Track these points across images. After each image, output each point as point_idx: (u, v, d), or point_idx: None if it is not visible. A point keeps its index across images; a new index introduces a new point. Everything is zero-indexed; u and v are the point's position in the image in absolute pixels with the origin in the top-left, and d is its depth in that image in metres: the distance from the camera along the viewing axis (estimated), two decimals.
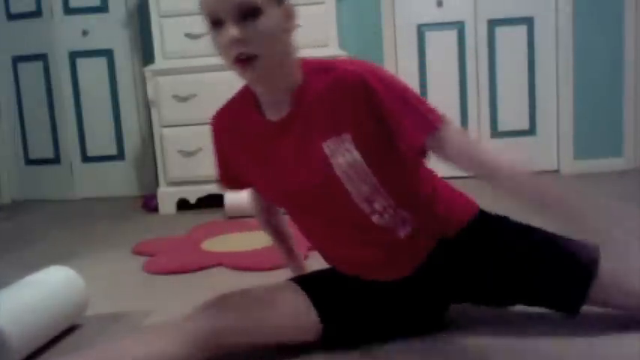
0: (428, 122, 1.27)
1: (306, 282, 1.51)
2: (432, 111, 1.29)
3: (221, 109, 1.54)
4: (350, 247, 1.45)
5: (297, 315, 1.43)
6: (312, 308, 1.44)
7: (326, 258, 1.57)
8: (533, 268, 1.43)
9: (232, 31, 1.22)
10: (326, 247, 1.54)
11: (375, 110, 1.27)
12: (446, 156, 1.28)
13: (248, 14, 1.22)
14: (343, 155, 1.29)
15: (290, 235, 1.79)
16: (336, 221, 1.40)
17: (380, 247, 1.42)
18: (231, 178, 1.58)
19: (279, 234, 1.79)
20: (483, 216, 1.52)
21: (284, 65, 1.31)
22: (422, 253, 1.46)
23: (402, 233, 1.40)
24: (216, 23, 1.28)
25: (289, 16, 1.29)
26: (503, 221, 1.53)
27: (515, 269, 1.44)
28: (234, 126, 1.46)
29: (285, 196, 1.43)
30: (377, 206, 1.35)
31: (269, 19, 1.24)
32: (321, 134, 1.30)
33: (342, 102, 1.27)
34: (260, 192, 1.59)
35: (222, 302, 1.41)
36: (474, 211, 1.52)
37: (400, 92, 1.28)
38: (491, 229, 1.49)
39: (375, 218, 1.36)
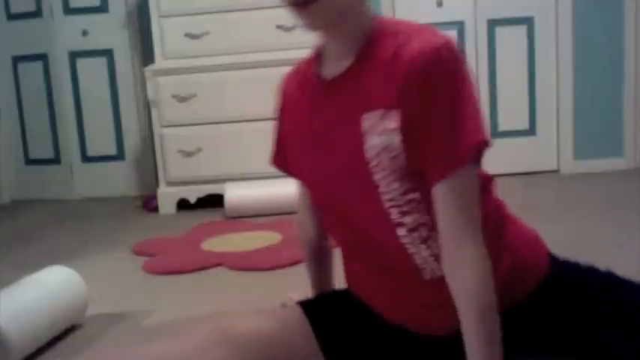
0: (451, 162, 1.00)
1: (319, 320, 1.25)
2: (465, 141, 1.00)
3: (291, 69, 1.27)
4: (366, 266, 1.19)
5: None
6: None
7: (345, 272, 1.30)
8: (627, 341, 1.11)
9: None
10: (345, 258, 1.28)
11: (420, 103, 1.01)
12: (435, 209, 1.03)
13: None
14: (380, 135, 1.02)
15: (327, 252, 1.40)
16: (355, 224, 1.14)
17: (398, 281, 1.14)
18: (282, 156, 1.29)
19: (315, 249, 1.40)
20: (557, 269, 1.18)
21: (349, 11, 1.07)
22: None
23: (429, 275, 1.10)
24: None
25: None
26: (583, 275, 1.21)
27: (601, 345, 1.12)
28: (295, 88, 1.22)
29: (315, 181, 1.19)
30: (407, 220, 1.06)
31: None
32: (366, 103, 1.05)
33: (399, 74, 1.01)
34: (298, 173, 1.27)
35: (224, 337, 1.20)
36: (546, 264, 1.18)
37: (451, 105, 1.00)
38: (569, 290, 1.16)
39: (400, 232, 1.07)
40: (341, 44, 1.09)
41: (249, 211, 3.33)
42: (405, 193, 1.04)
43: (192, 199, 3.67)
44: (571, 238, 2.55)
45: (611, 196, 3.28)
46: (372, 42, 1.07)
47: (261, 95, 3.50)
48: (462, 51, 1.06)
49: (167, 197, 3.69)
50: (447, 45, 1.00)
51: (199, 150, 3.61)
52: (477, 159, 1.01)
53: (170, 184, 3.69)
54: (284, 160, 1.28)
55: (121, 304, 2.16)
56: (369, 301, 1.23)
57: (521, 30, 3.92)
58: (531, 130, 3.98)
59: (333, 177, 1.12)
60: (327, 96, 1.11)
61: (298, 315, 1.25)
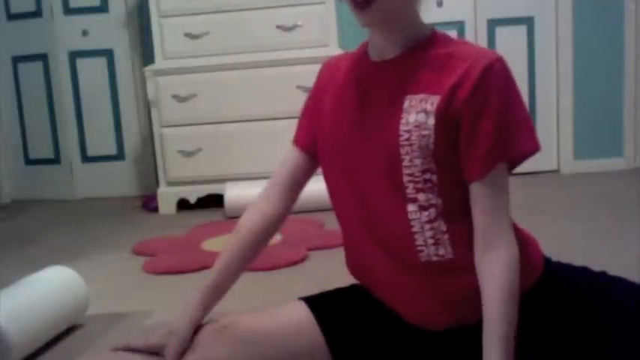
0: (492, 161, 1.09)
1: (326, 316, 1.25)
2: (515, 147, 1.10)
3: (334, 58, 1.32)
4: (369, 242, 1.20)
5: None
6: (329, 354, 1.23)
7: (348, 254, 1.30)
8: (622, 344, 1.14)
9: None
10: (349, 238, 1.27)
11: (468, 108, 1.08)
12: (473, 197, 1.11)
13: None
14: (417, 113, 1.09)
15: (266, 240, 1.33)
16: (368, 196, 1.17)
17: (395, 259, 1.17)
18: (309, 138, 1.29)
19: (262, 228, 1.31)
20: (551, 270, 1.22)
21: (405, 13, 1.14)
22: (462, 308, 1.15)
23: (425, 257, 1.13)
24: None
25: None
26: (576, 276, 1.24)
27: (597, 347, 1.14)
28: (339, 68, 1.26)
29: (341, 153, 1.20)
30: (421, 197, 1.11)
31: None
32: (411, 87, 1.12)
33: (452, 70, 1.09)
34: (323, 147, 1.25)
35: (229, 332, 1.20)
36: (540, 266, 1.22)
37: (504, 110, 1.08)
38: (562, 291, 1.20)
39: (411, 207, 1.12)
40: (391, 42, 1.15)
41: None
42: (424, 171, 1.10)
43: (192, 199, 3.67)
44: (570, 238, 2.56)
45: (611, 196, 3.29)
46: (423, 43, 1.15)
47: (261, 95, 3.51)
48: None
49: (167, 197, 3.69)
50: (501, 59, 1.10)
51: (199, 150, 3.61)
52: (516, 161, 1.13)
53: (170, 184, 3.69)
54: (310, 140, 1.27)
55: (121, 304, 2.16)
56: (367, 282, 1.26)
57: (521, 30, 3.92)
58: None
59: (362, 149, 1.17)
60: (376, 76, 1.17)
61: (304, 311, 1.25)
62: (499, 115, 1.08)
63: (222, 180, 3.57)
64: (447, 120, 1.09)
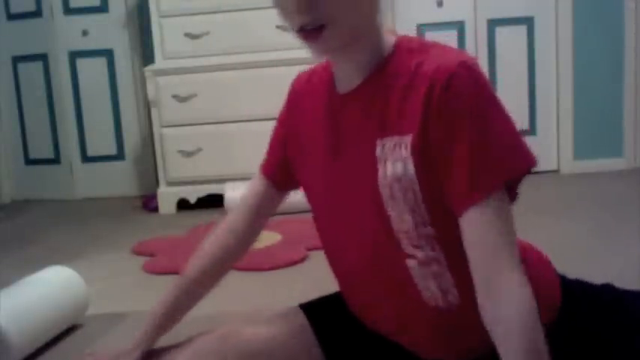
0: (480, 187, 0.91)
1: (323, 326, 1.22)
2: (492, 167, 0.92)
3: (303, 73, 1.20)
4: (369, 295, 1.11)
5: None
6: None
7: (349, 303, 1.21)
8: None
9: None
10: (345, 288, 1.20)
11: (437, 127, 0.93)
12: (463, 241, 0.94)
13: None
14: (393, 164, 0.96)
15: (227, 267, 1.28)
16: (361, 249, 1.06)
17: (400, 308, 1.07)
18: (276, 165, 1.22)
19: (224, 256, 1.25)
20: (571, 298, 1.10)
21: (363, 34, 0.99)
22: (472, 343, 1.04)
23: (433, 303, 1.03)
24: None
25: None
26: (599, 301, 1.13)
27: None
28: (309, 92, 1.14)
29: (322, 196, 1.12)
30: (420, 254, 0.99)
31: None
32: (381, 126, 0.98)
33: (416, 96, 0.94)
34: (303, 183, 1.19)
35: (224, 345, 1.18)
36: (560, 295, 1.10)
37: (477, 128, 0.92)
38: (585, 319, 1.09)
39: (411, 263, 1.01)
40: (351, 65, 1.02)
41: None
42: (417, 226, 0.98)
43: (192, 199, 3.66)
44: (571, 238, 2.56)
45: (611, 196, 3.28)
46: (385, 61, 1.00)
47: (261, 95, 3.51)
48: (480, 67, 0.96)
49: (167, 197, 3.69)
50: (465, 64, 0.93)
51: (199, 150, 3.60)
52: (510, 183, 0.94)
53: (170, 184, 3.69)
54: (276, 170, 1.21)
55: (121, 304, 2.16)
56: (371, 321, 1.16)
57: (521, 30, 3.92)
58: (531, 130, 3.98)
59: (342, 196, 1.05)
60: (342, 110, 1.04)
61: (301, 321, 1.23)
62: (473, 134, 0.91)
63: (222, 180, 3.57)
64: (426, 160, 0.94)
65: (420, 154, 0.94)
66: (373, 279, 1.07)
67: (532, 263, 1.06)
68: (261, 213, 1.25)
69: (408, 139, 0.95)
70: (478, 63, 0.96)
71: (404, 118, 0.96)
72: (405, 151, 0.95)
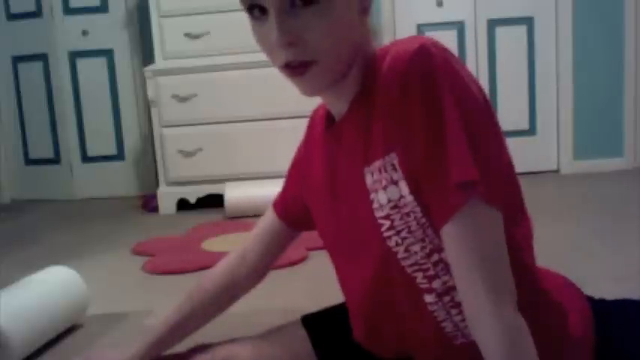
0: (446, 200, 0.81)
1: (325, 345, 1.18)
2: (452, 176, 0.80)
3: (321, 105, 1.08)
4: (389, 337, 1.02)
5: None
6: None
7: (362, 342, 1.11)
8: None
9: (277, 30, 0.82)
10: (358, 323, 1.08)
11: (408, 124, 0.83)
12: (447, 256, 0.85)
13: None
14: (385, 189, 0.86)
15: (232, 301, 1.26)
16: (375, 291, 0.97)
17: (424, 349, 0.98)
18: (289, 204, 1.15)
19: (234, 287, 1.24)
20: (602, 321, 1.01)
21: (354, 67, 0.90)
22: None
23: (460, 340, 0.93)
24: (256, 10, 0.84)
25: None
26: (628, 317, 1.06)
27: None
28: (315, 129, 1.06)
29: (332, 237, 1.05)
30: (436, 284, 0.89)
31: (332, 3, 0.82)
32: (365, 153, 0.89)
33: (385, 107, 0.85)
34: (317, 229, 1.11)
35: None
36: (588, 314, 1.01)
37: (430, 127, 0.81)
38: (621, 336, 1.01)
39: (429, 299, 0.90)
40: (344, 98, 0.93)
41: (249, 211, 3.33)
42: (429, 254, 0.87)
43: (192, 199, 3.66)
44: (571, 238, 2.55)
45: (611, 196, 3.28)
46: (365, 85, 0.90)
47: (262, 95, 3.51)
48: (446, 50, 0.84)
49: (167, 197, 3.69)
50: (421, 49, 0.81)
51: (199, 150, 3.60)
52: (482, 194, 0.80)
53: (170, 184, 3.69)
54: (288, 210, 1.15)
55: (121, 304, 2.16)
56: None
57: (521, 30, 3.92)
58: (531, 130, 3.99)
59: (347, 237, 0.97)
60: (336, 146, 0.97)
61: (302, 339, 1.21)
62: (428, 136, 0.80)
63: (222, 180, 3.57)
64: (415, 172, 0.84)
65: (410, 171, 0.84)
66: (389, 320, 0.98)
67: (559, 290, 0.98)
68: (274, 249, 1.22)
69: (392, 158, 0.85)
70: (433, 45, 0.83)
71: (381, 138, 0.86)
72: (395, 173, 0.85)
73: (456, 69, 0.82)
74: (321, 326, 1.22)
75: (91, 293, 2.02)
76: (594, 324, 1.00)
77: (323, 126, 1.01)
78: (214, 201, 3.57)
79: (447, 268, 0.87)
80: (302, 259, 2.58)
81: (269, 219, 1.20)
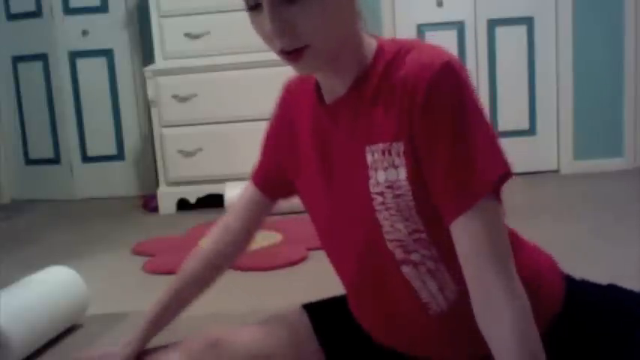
0: (465, 196, 0.90)
1: (327, 331, 1.21)
2: (480, 173, 0.89)
3: (292, 80, 1.18)
4: (370, 303, 1.11)
5: None
6: None
7: (354, 312, 1.19)
8: None
9: (270, 22, 0.90)
10: (348, 292, 1.18)
11: (421, 133, 0.92)
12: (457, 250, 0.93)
13: None
14: (385, 171, 0.95)
15: (220, 270, 1.27)
16: (357, 257, 1.06)
17: (402, 318, 1.06)
18: (268, 174, 1.21)
19: (220, 256, 1.26)
20: (574, 300, 1.07)
21: (344, 49, 0.97)
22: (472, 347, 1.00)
23: (434, 310, 1.02)
24: (253, 4, 0.93)
25: None
26: (604, 305, 1.09)
27: None
28: (298, 102, 1.13)
29: (318, 206, 1.12)
30: (414, 256, 0.99)
31: None
32: (368, 134, 0.97)
33: (400, 103, 0.93)
34: (302, 199, 1.18)
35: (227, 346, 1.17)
36: (562, 297, 1.07)
37: (459, 131, 0.90)
38: (587, 324, 1.05)
39: (405, 269, 1.00)
40: (338, 78, 1.00)
41: None
42: (411, 233, 0.97)
43: (192, 199, 3.66)
44: (571, 238, 2.56)
45: (611, 196, 3.28)
46: (368, 68, 0.99)
47: (261, 95, 3.50)
48: (464, 68, 0.94)
49: (167, 197, 3.69)
50: (447, 65, 0.91)
51: (199, 150, 3.60)
52: (495, 191, 0.90)
53: (170, 184, 3.69)
54: (267, 180, 1.20)
55: (121, 304, 2.16)
56: (375, 335, 1.15)
57: (521, 30, 3.92)
58: (531, 130, 3.99)
59: (337, 207, 1.05)
60: (329, 121, 1.04)
61: (302, 321, 1.22)
62: (454, 142, 0.90)
63: (222, 180, 3.57)
64: (418, 167, 0.93)
65: (412, 160, 0.93)
66: (373, 290, 1.07)
67: (537, 267, 1.05)
68: (255, 218, 1.25)
69: (399, 146, 0.94)
70: (458, 61, 0.93)
71: (390, 125, 0.94)
72: (398, 158, 0.94)
73: (473, 87, 0.93)
74: (322, 313, 1.24)
75: (91, 293, 2.02)
76: (565, 300, 1.07)
77: (314, 100, 1.06)
78: (214, 201, 3.57)
79: (424, 244, 0.97)
80: (302, 259, 2.58)
81: (248, 192, 1.24)
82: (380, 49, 0.99)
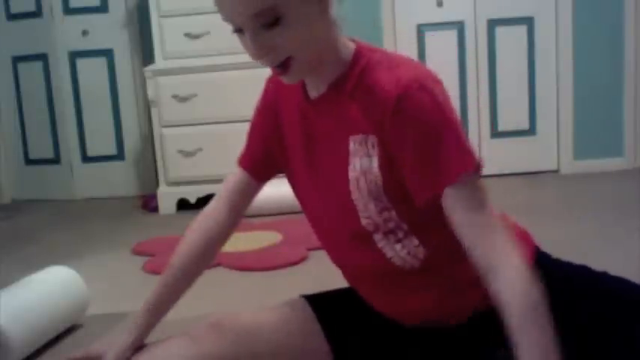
0: (439, 176, 1.01)
1: (327, 314, 1.27)
2: (452, 158, 1.01)
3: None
4: (354, 272, 1.23)
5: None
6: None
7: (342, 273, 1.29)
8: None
9: (253, 45, 1.03)
10: (331, 254, 1.28)
11: (393, 140, 1.05)
12: (452, 223, 1.03)
13: (267, 24, 1.00)
14: (361, 158, 1.08)
15: (210, 257, 1.37)
16: (336, 233, 1.19)
17: (384, 279, 1.18)
18: (257, 158, 1.30)
19: (207, 242, 1.36)
20: (544, 268, 1.10)
21: (326, 54, 1.09)
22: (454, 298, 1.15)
23: (409, 267, 1.14)
24: (237, 29, 1.06)
25: None
26: (572, 277, 1.18)
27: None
28: (284, 93, 1.22)
29: (305, 196, 1.23)
30: (383, 227, 1.12)
31: (294, 19, 1.01)
32: (350, 126, 1.09)
33: (374, 108, 1.05)
34: (290, 183, 1.29)
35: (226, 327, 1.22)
36: (530, 259, 1.14)
37: (434, 133, 1.01)
38: (554, 292, 1.07)
39: (376, 237, 1.13)
40: (321, 79, 1.12)
41: (249, 211, 3.33)
42: (381, 211, 1.10)
43: (192, 199, 3.67)
44: (571, 238, 2.56)
45: (611, 196, 3.29)
46: (348, 69, 1.10)
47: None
48: (436, 80, 1.06)
49: (167, 197, 3.69)
50: (417, 79, 1.02)
51: (199, 150, 3.61)
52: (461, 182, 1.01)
53: (170, 184, 3.69)
54: (257, 163, 1.30)
55: (121, 304, 2.16)
56: (368, 300, 1.25)
57: (521, 30, 3.92)
58: (531, 130, 3.98)
59: (319, 190, 1.17)
60: (313, 113, 1.15)
61: (304, 307, 1.26)
62: (425, 146, 1.01)
63: (222, 180, 3.55)
64: (387, 158, 1.06)
65: (383, 152, 1.06)
66: (355, 262, 1.19)
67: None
68: (242, 203, 1.35)
69: (373, 139, 1.07)
70: (429, 75, 1.04)
71: (367, 121, 1.07)
72: (372, 149, 1.07)
73: (445, 96, 1.04)
74: (323, 299, 1.30)
75: (91, 293, 2.02)
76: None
77: (300, 97, 1.17)
78: None
79: (392, 219, 1.10)
80: (302, 259, 2.58)
81: (235, 176, 1.35)
82: (357, 53, 1.11)
